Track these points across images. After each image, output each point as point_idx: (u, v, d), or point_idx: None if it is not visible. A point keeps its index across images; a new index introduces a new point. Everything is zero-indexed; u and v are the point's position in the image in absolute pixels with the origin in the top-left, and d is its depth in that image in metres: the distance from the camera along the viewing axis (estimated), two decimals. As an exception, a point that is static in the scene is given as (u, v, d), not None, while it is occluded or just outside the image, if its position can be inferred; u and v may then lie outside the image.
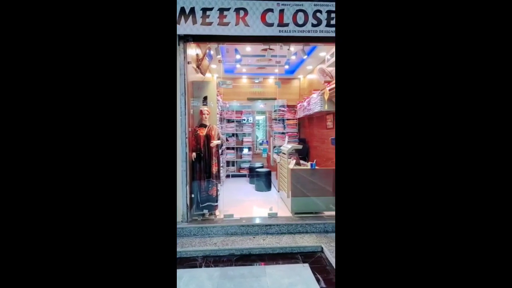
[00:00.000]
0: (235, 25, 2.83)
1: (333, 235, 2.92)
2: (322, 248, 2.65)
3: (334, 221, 3.05)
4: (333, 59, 3.43)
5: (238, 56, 4.19)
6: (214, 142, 3.25)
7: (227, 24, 2.83)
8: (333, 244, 2.69)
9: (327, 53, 4.02)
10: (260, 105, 6.14)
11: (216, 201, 3.31)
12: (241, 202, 3.99)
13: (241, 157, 6.22)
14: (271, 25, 2.85)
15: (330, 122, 4.39)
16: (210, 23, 2.81)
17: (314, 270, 2.30)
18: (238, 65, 5.12)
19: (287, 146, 3.98)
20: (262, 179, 4.80)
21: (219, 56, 4.14)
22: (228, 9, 2.81)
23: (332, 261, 2.37)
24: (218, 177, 3.33)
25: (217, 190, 3.32)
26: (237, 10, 2.81)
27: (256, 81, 5.86)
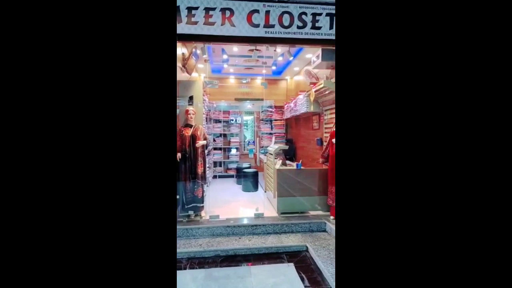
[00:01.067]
0: (221, 25, 2.81)
1: (318, 234, 2.96)
2: (307, 247, 2.68)
3: (319, 221, 3.09)
4: (319, 60, 3.48)
5: (225, 56, 4.17)
6: (200, 143, 3.22)
7: (213, 24, 2.81)
8: (318, 243, 2.73)
9: (313, 55, 4.07)
10: (248, 105, 6.13)
11: (202, 202, 3.28)
12: (228, 203, 3.98)
13: (228, 158, 6.19)
14: (257, 26, 2.85)
15: (316, 123, 4.46)
16: (195, 23, 2.79)
17: (298, 269, 2.32)
18: (225, 65, 5.10)
19: (274, 146, 4.01)
20: (249, 179, 4.80)
21: (205, 56, 4.11)
22: (214, 9, 2.79)
23: (317, 260, 2.40)
24: (203, 177, 3.30)
25: (203, 191, 3.30)
26: (223, 10, 2.80)
27: (244, 81, 5.86)
